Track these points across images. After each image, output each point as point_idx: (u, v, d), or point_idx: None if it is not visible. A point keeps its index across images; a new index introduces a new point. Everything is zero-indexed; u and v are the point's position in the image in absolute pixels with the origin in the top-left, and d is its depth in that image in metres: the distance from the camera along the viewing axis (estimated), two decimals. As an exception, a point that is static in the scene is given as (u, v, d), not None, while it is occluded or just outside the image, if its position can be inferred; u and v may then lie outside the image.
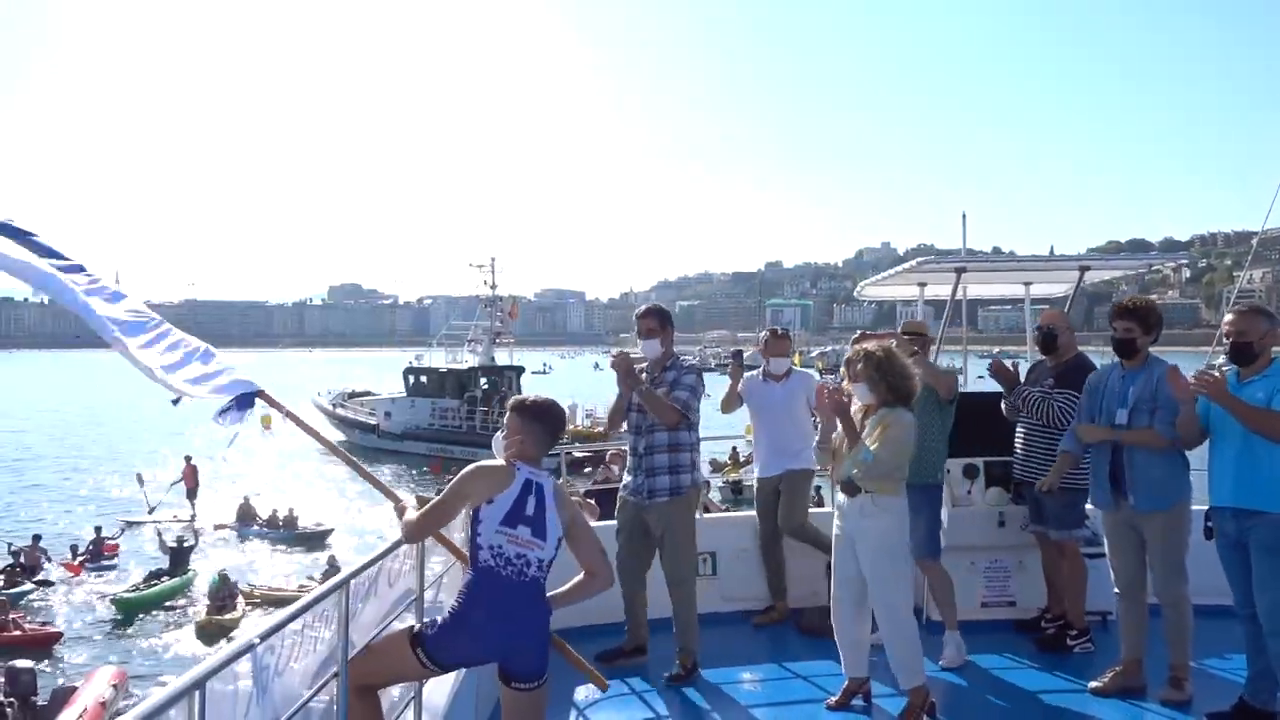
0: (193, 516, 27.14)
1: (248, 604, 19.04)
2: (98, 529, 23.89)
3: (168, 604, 19.58)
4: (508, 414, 3.75)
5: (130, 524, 26.26)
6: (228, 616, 18.16)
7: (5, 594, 18.94)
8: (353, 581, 3.33)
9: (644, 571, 5.76)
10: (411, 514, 3.71)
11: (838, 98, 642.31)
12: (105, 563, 22.52)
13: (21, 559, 21.16)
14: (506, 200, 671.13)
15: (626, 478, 5.79)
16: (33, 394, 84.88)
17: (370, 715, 3.43)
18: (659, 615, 5.72)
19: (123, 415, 59.05)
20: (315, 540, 24.99)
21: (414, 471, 37.10)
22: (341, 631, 3.26)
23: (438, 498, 3.62)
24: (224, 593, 18.65)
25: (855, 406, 4.86)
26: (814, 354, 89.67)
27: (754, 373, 6.85)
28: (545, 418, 3.73)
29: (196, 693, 2.29)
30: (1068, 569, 5.87)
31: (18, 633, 16.84)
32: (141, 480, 26.80)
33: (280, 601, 18.66)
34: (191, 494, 27.87)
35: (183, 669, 15.81)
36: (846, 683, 4.97)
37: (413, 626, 3.60)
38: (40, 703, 12.35)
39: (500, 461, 3.67)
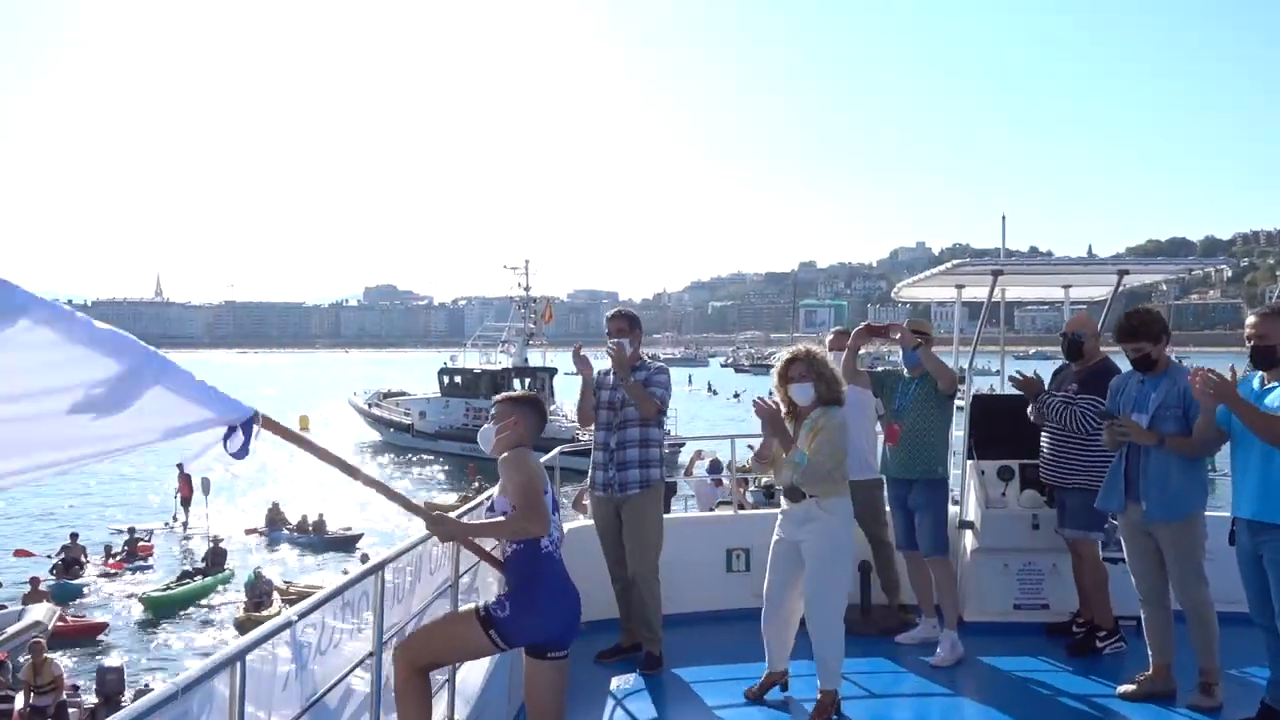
0: (185, 524, 26.99)
1: (284, 600, 19.37)
2: (131, 530, 24.47)
3: (201, 603, 20.00)
4: (497, 407, 3.94)
5: (118, 531, 26.12)
6: (264, 613, 18.46)
7: (65, 584, 20.14)
8: (389, 567, 3.43)
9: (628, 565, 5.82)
10: (507, 521, 3.71)
11: (873, 97, 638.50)
12: (140, 563, 23.08)
13: (64, 555, 21.86)
14: (540, 201, 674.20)
15: (595, 474, 5.88)
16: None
17: (424, 692, 3.58)
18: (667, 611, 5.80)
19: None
20: (344, 545, 25.22)
21: (447, 469, 37.44)
22: (377, 614, 3.34)
23: (527, 489, 3.67)
24: (260, 590, 19.12)
25: (784, 412, 4.98)
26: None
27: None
28: (536, 404, 3.99)
29: (237, 664, 2.37)
30: (1085, 570, 5.85)
31: (65, 623, 17.48)
32: (207, 487, 25.86)
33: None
34: (186, 503, 27.66)
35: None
36: (766, 674, 5.10)
37: (477, 609, 3.73)
38: (127, 702, 12.35)
39: (526, 451, 3.81)
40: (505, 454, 3.81)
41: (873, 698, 5.22)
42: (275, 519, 26.92)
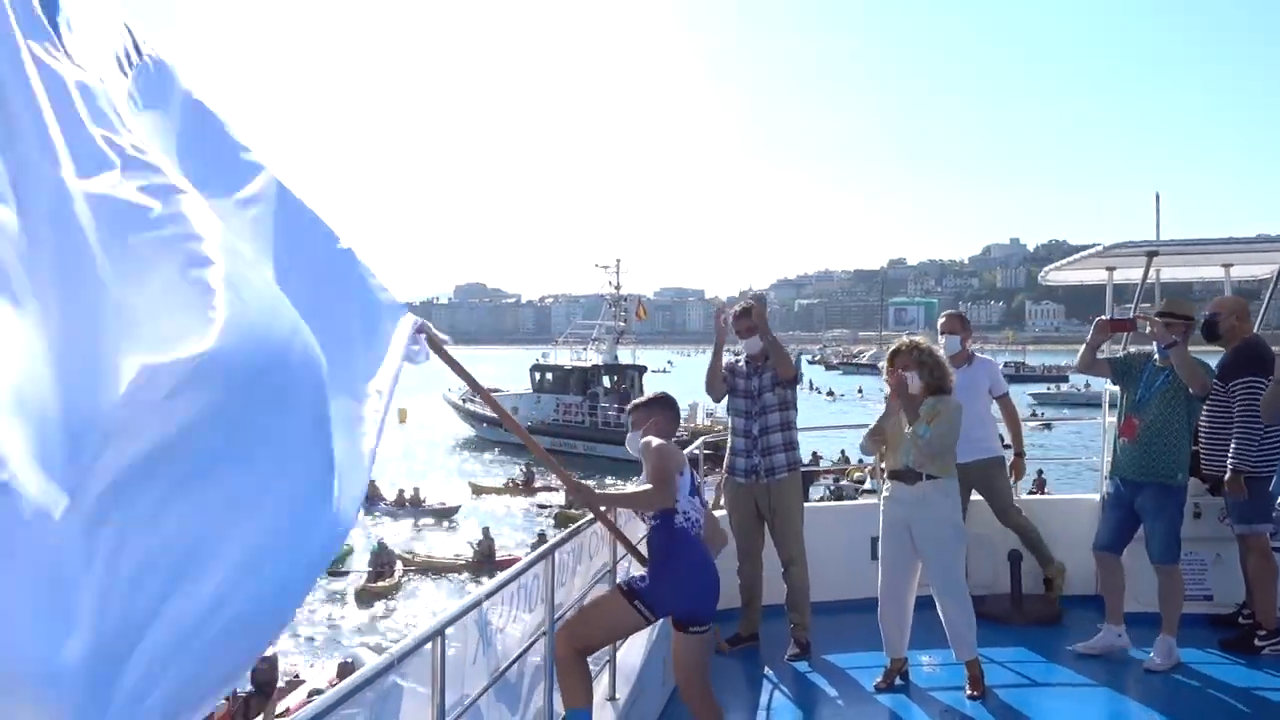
0: None
1: (407, 570, 20.25)
2: None
3: (318, 580, 20.51)
4: (633, 414, 4.24)
5: None
6: (382, 584, 19.63)
7: None
8: (557, 551, 3.64)
9: (760, 554, 5.89)
10: (639, 487, 3.99)
11: (963, 92, 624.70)
12: None
13: None
14: (627, 199, 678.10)
15: (735, 461, 5.89)
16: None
17: (583, 671, 3.75)
18: (769, 602, 5.91)
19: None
20: (442, 516, 26.71)
21: (540, 466, 37.87)
22: (549, 595, 3.56)
23: (657, 466, 3.91)
24: (382, 559, 20.15)
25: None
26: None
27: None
28: (668, 403, 4.27)
29: (439, 638, 2.53)
30: (1254, 564, 5.49)
31: None
32: None
33: (438, 569, 20.55)
34: None
35: (345, 636, 16.56)
36: (890, 663, 5.16)
37: (620, 585, 3.96)
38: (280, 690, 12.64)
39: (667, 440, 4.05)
40: (645, 439, 4.04)
41: (1024, 687, 5.15)
42: (373, 494, 27.89)
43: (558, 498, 29.80)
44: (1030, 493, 7.27)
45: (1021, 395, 65.13)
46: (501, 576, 3.23)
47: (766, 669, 5.50)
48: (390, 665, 2.33)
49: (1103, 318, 5.70)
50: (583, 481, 3.99)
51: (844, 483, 25.62)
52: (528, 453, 40.02)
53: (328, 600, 19.56)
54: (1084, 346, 5.66)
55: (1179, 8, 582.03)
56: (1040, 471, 20.06)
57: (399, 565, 20.55)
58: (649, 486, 3.87)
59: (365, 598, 19.25)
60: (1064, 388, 67.63)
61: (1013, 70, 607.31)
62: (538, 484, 30.94)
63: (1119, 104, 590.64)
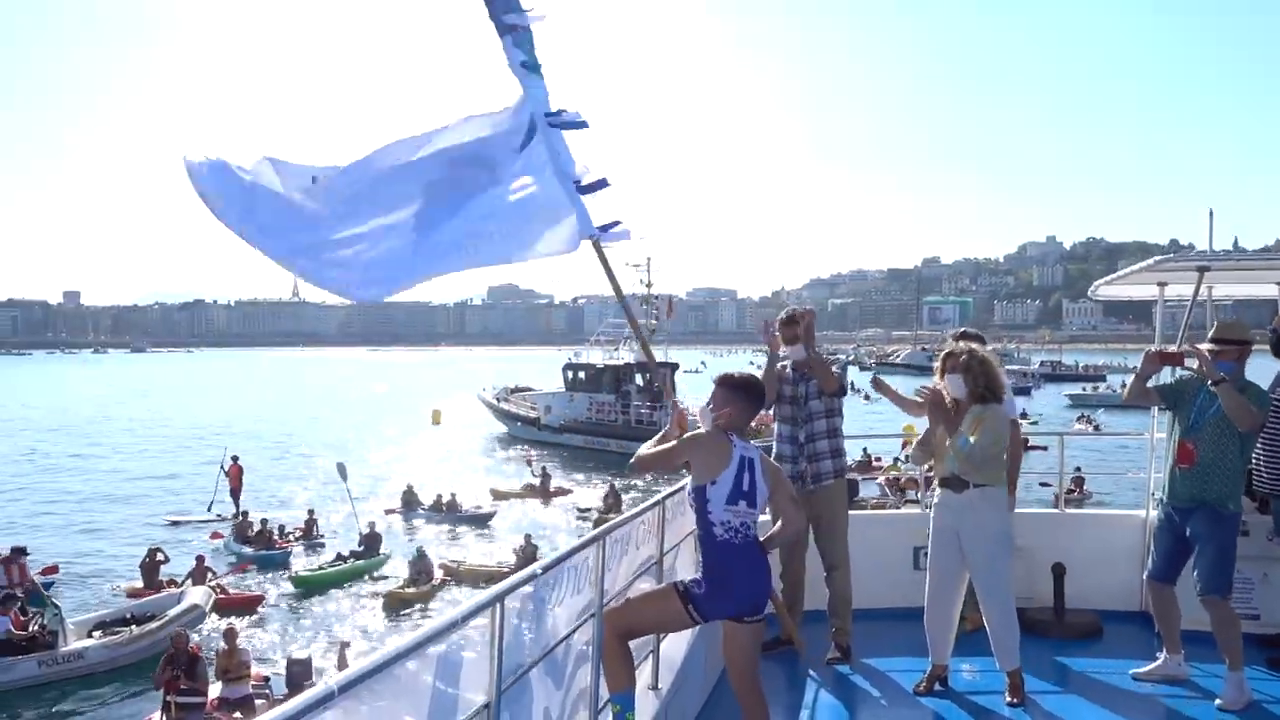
0: (235, 514, 26.98)
1: (447, 578, 20.23)
2: (310, 511, 25.63)
3: (349, 583, 20.75)
4: (715, 389, 4.04)
5: (177, 522, 27.13)
6: (413, 590, 19.54)
7: (269, 554, 22.26)
8: (606, 538, 3.74)
9: (804, 559, 5.91)
10: (645, 448, 4.12)
11: (998, 90, 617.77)
12: (314, 542, 24.28)
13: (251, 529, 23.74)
14: (658, 200, 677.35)
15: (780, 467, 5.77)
16: (231, 387, 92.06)
17: (627, 656, 3.79)
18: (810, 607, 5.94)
19: (320, 406, 63.22)
20: (478, 522, 26.62)
21: (574, 463, 38.04)
22: (598, 579, 3.66)
23: (666, 445, 4.05)
24: (420, 566, 20.09)
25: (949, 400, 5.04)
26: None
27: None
28: (750, 389, 4.05)
29: (498, 604, 2.65)
30: None
31: (226, 595, 18.86)
32: (344, 472, 25.43)
33: (482, 576, 20.07)
34: (235, 494, 28.09)
35: (370, 639, 16.48)
36: (930, 668, 5.16)
37: (677, 585, 3.96)
38: None
39: (717, 437, 3.94)
40: (702, 427, 4.01)
41: (1064, 697, 5.14)
42: (410, 500, 28.11)
43: (580, 498, 30.02)
44: (1069, 491, 7.09)
45: (1057, 395, 64.67)
46: (555, 555, 3.36)
47: (810, 672, 5.52)
48: (454, 624, 2.44)
49: (1151, 349, 5.56)
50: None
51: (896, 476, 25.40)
52: (559, 450, 40.79)
53: (361, 606, 19.59)
54: (1133, 378, 5.61)
55: (1221, 7, 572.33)
56: (1078, 468, 19.87)
57: (438, 573, 20.41)
58: (649, 451, 4.07)
59: (394, 603, 19.15)
60: (1101, 388, 66.81)
61: (1049, 67, 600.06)
62: (554, 487, 31.01)
63: (1158, 100, 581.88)
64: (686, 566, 4.94)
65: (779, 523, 4.19)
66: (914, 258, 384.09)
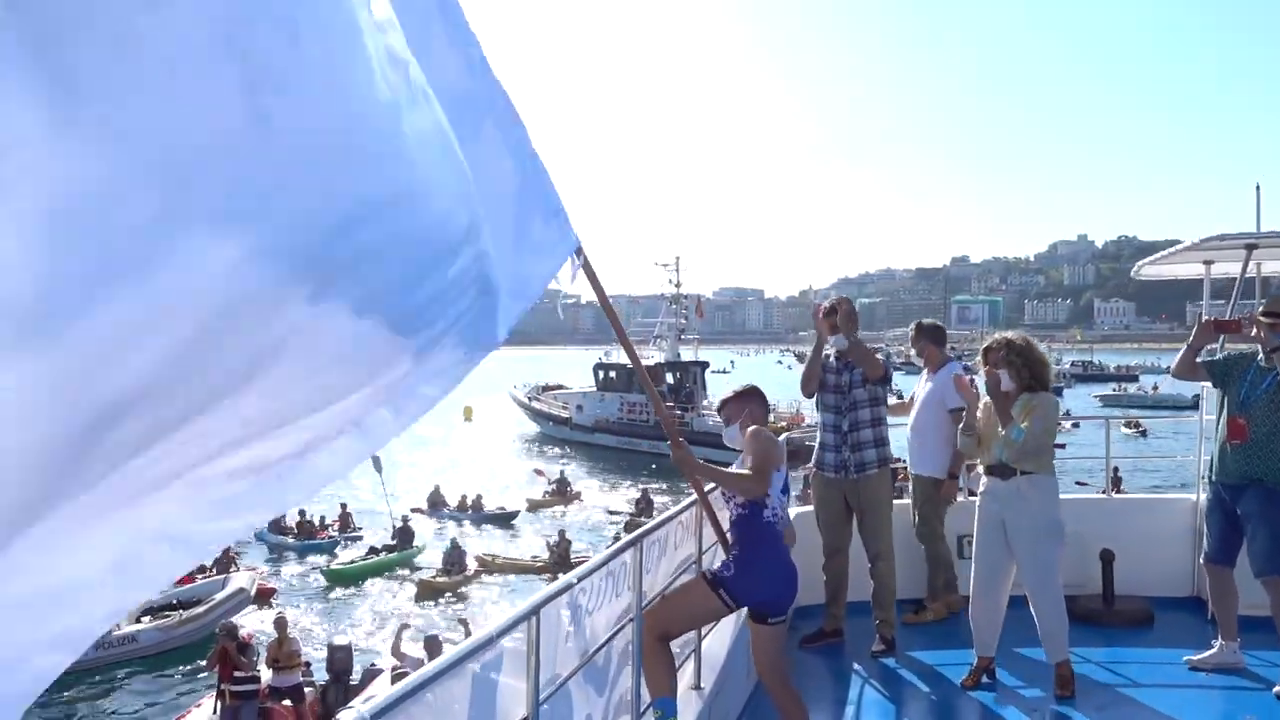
0: None
1: (482, 570, 20.52)
2: (343, 505, 25.99)
3: (383, 574, 21.08)
4: (724, 409, 4.20)
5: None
6: (444, 580, 19.86)
7: (310, 543, 22.91)
8: (644, 540, 3.71)
9: (847, 549, 5.86)
10: (741, 470, 3.98)
11: (1029, 88, 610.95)
12: (350, 535, 24.69)
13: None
14: (686, 200, 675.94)
15: (824, 456, 5.89)
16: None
17: (667, 659, 3.79)
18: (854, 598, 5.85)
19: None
20: (501, 521, 26.94)
21: (605, 463, 38.13)
22: (636, 582, 3.62)
23: (759, 453, 3.88)
24: (453, 558, 20.49)
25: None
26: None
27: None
28: (755, 393, 4.24)
29: (534, 617, 2.57)
30: None
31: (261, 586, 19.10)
32: (379, 465, 25.02)
33: (516, 570, 20.58)
34: None
35: (418, 623, 16.43)
36: (977, 661, 5.08)
37: (705, 574, 4.02)
38: (354, 681, 12.90)
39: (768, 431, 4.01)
40: (751, 427, 4.01)
41: (1115, 688, 5.02)
42: (436, 499, 28.51)
43: (606, 500, 30.04)
44: (1102, 491, 7.04)
45: (1086, 396, 63.55)
46: (593, 561, 3.31)
47: (854, 664, 5.46)
48: (490, 640, 2.40)
49: (1208, 318, 5.42)
50: (682, 443, 3.95)
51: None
52: (589, 450, 40.87)
53: (395, 596, 19.86)
54: (1184, 349, 5.38)
55: (1254, 3, 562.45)
56: (1115, 469, 19.70)
57: (472, 564, 20.76)
58: (748, 472, 3.86)
59: (426, 592, 19.52)
60: (1131, 389, 65.72)
61: (1081, 65, 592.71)
62: (570, 491, 30.99)
63: (1191, 97, 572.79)
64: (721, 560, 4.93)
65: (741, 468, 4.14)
66: (943, 257, 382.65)
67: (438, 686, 2.12)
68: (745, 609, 4.01)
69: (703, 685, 4.34)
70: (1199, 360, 5.39)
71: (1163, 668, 5.32)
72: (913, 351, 6.84)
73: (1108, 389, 67.56)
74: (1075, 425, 29.09)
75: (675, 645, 4.08)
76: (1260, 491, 4.97)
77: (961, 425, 5.26)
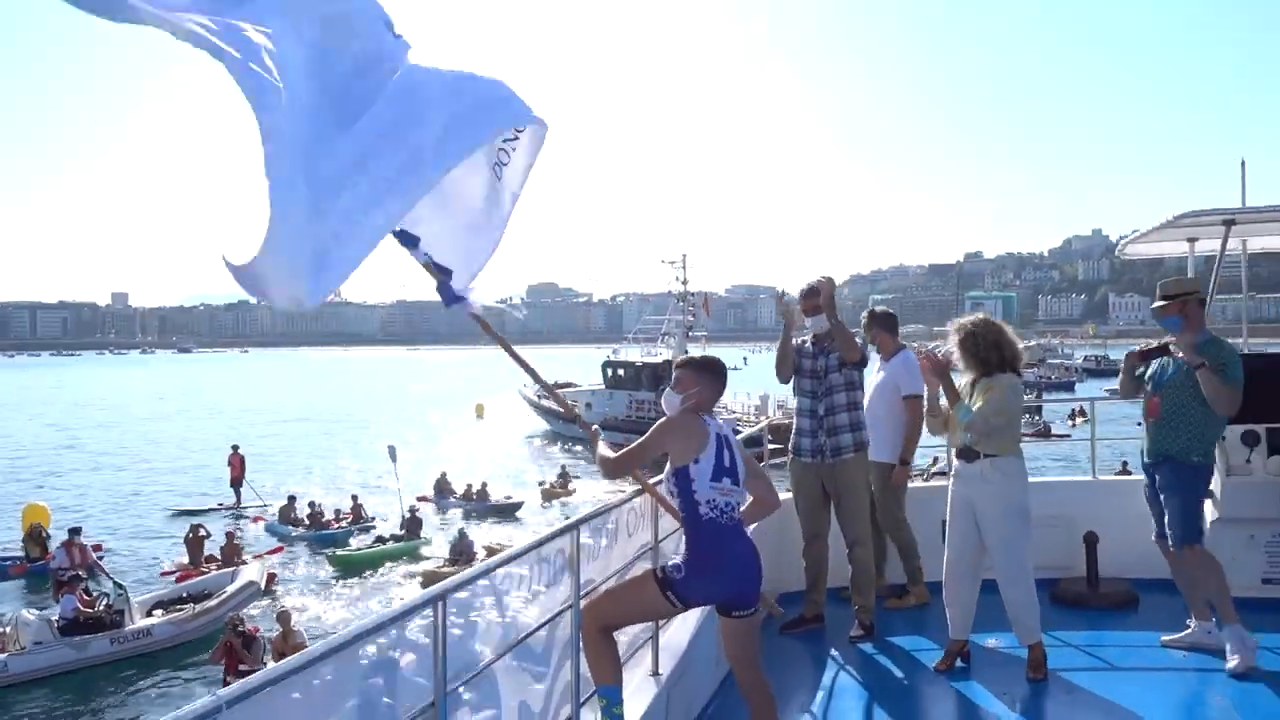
0: (235, 504, 28.03)
1: (489, 559, 20.63)
2: (354, 497, 26.20)
3: (389, 563, 21.23)
4: (678, 371, 3.95)
5: (181, 513, 27.38)
6: (450, 570, 19.70)
7: (324, 533, 23.18)
8: (583, 527, 3.61)
9: (826, 535, 5.83)
10: (606, 451, 3.93)
11: (1043, 82, 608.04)
12: (363, 525, 24.75)
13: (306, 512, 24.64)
14: (698, 199, 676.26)
15: (800, 441, 5.86)
16: (275, 385, 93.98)
17: (610, 648, 3.67)
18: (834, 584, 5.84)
19: (368, 400, 64.18)
20: (506, 512, 27.24)
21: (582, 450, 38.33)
22: (574, 570, 3.53)
23: (637, 442, 3.80)
24: (460, 547, 20.58)
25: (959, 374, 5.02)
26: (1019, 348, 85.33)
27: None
28: (715, 368, 3.97)
29: (440, 603, 2.54)
30: None
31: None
32: (394, 455, 25.53)
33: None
34: (235, 483, 28.68)
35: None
36: (950, 645, 5.08)
37: (655, 571, 3.81)
38: None
39: (689, 417, 3.81)
40: (663, 418, 3.86)
41: (1088, 671, 5.00)
42: (443, 488, 28.68)
43: (608, 498, 29.85)
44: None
45: (1098, 391, 63.34)
46: (519, 548, 3.26)
47: (831, 650, 5.45)
48: (382, 625, 2.39)
49: (1131, 351, 5.61)
50: (595, 430, 4.16)
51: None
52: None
53: (399, 584, 19.95)
54: (1121, 374, 5.63)
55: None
56: (1125, 463, 19.64)
57: (480, 553, 20.89)
58: (615, 455, 3.79)
59: (430, 582, 19.68)
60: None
61: (1096, 60, 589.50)
62: (572, 485, 31.05)
63: (1206, 90, 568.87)
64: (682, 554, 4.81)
65: (750, 500, 4.06)
66: (956, 252, 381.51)
67: (339, 656, 2.14)
68: None
69: (660, 672, 4.26)
70: (1135, 374, 5.54)
71: (1142, 650, 5.30)
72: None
73: (1117, 384, 67.15)
74: (1082, 414, 28.75)
75: (633, 631, 4.04)
76: (1171, 466, 5.15)
77: (926, 407, 5.29)
